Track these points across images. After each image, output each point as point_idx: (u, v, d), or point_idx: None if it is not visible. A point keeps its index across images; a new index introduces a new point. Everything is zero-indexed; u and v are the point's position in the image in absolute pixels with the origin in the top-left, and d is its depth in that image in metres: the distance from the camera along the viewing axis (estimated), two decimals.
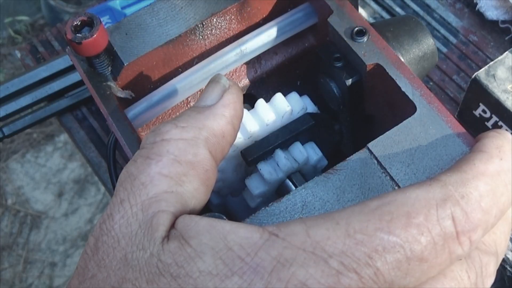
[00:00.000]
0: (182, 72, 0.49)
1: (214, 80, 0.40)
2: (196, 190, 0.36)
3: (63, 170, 1.91)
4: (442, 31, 0.81)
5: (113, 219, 0.34)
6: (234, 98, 0.39)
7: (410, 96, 0.42)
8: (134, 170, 0.36)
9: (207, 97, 0.39)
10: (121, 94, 0.47)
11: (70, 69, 0.81)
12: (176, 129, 0.37)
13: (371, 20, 0.84)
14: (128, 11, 0.84)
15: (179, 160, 0.36)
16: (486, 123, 0.67)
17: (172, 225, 0.34)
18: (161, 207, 0.34)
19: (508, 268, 0.63)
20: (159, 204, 0.34)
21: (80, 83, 0.81)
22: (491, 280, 0.36)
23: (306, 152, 0.49)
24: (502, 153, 0.36)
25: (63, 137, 1.94)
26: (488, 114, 0.66)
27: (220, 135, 0.38)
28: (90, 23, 0.44)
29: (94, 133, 0.80)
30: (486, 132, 0.38)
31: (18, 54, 0.88)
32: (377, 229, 0.31)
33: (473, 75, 0.65)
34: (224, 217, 0.35)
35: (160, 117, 0.50)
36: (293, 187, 0.48)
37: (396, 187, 0.38)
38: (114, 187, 0.56)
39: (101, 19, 0.49)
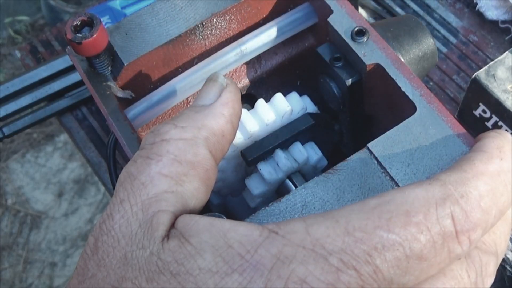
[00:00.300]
0: (182, 72, 0.49)
1: (211, 78, 0.40)
2: (196, 190, 0.36)
3: (63, 170, 1.91)
4: (442, 31, 0.81)
5: (113, 219, 0.34)
6: (232, 97, 0.39)
7: (410, 96, 0.42)
8: (134, 170, 0.36)
9: (205, 96, 0.39)
10: (121, 94, 0.47)
11: (70, 69, 0.81)
12: (175, 129, 0.37)
13: (371, 20, 0.84)
14: (128, 11, 0.84)
15: (179, 160, 0.36)
16: (486, 123, 0.67)
17: (172, 225, 0.34)
18: (161, 207, 0.34)
19: (508, 268, 0.63)
20: (159, 204, 0.34)
21: (80, 83, 0.81)
22: (491, 280, 0.36)
23: (306, 152, 0.49)
24: (503, 153, 0.36)
25: (63, 137, 1.94)
26: (488, 114, 0.66)
27: (220, 134, 0.38)
28: (90, 23, 0.44)
29: (94, 133, 0.80)
30: (487, 132, 0.38)
31: (18, 54, 0.88)
32: (377, 227, 0.31)
33: (473, 75, 0.65)
34: (224, 217, 0.35)
35: (160, 117, 0.50)
36: (293, 187, 0.48)
37: (396, 187, 0.38)
38: (114, 187, 0.56)
39: (101, 19, 0.49)
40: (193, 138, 0.37)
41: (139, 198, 0.34)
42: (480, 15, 0.81)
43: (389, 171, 0.39)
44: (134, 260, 0.32)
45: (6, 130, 0.79)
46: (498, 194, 0.34)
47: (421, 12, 0.83)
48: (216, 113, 0.38)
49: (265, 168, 0.48)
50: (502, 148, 0.36)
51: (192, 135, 0.37)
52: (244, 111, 0.47)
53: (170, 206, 0.34)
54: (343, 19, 0.46)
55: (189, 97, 0.50)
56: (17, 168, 1.93)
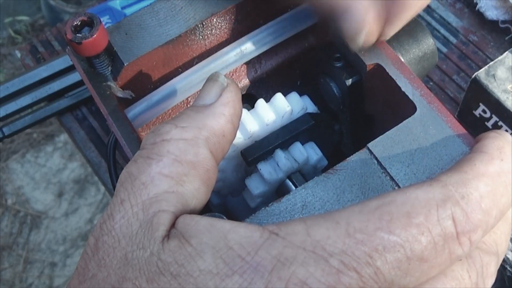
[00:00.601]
0: (182, 72, 0.49)
1: (212, 78, 0.40)
2: (196, 190, 0.36)
3: (63, 170, 1.91)
4: (442, 31, 0.81)
5: (114, 219, 0.34)
6: (233, 96, 0.39)
7: (410, 96, 0.42)
8: (135, 170, 0.36)
9: (205, 95, 0.39)
10: (121, 94, 0.47)
11: (70, 69, 0.81)
12: (176, 129, 0.37)
13: None
14: (128, 11, 0.84)
15: (180, 160, 0.36)
16: (486, 123, 0.67)
17: (173, 225, 0.34)
18: (161, 207, 0.34)
19: (508, 268, 0.63)
20: (159, 204, 0.34)
21: (80, 83, 0.81)
22: (492, 280, 0.36)
23: (306, 152, 0.49)
24: (503, 154, 0.36)
25: (63, 137, 1.94)
26: (488, 114, 0.66)
27: (221, 134, 0.38)
28: (90, 23, 0.44)
29: (94, 133, 0.80)
30: (487, 132, 0.38)
31: (18, 54, 0.88)
32: (377, 229, 0.31)
33: (473, 75, 0.65)
34: (224, 217, 0.35)
35: (160, 117, 0.50)
36: (293, 187, 0.48)
37: (396, 187, 0.38)
38: (114, 187, 0.56)
39: (101, 19, 0.49)
40: (193, 138, 0.37)
41: (140, 198, 0.34)
42: (480, 15, 0.81)
43: (389, 171, 0.39)
44: (135, 260, 0.32)
45: (6, 130, 0.79)
46: (498, 195, 0.34)
47: (421, 12, 0.83)
48: (217, 113, 0.38)
49: (265, 168, 0.48)
50: (502, 149, 0.36)
51: (192, 135, 0.37)
52: (244, 111, 0.47)
53: (170, 206, 0.34)
54: None
55: (189, 97, 0.50)
56: (17, 168, 1.93)
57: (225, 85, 0.39)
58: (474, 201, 0.33)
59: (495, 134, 0.37)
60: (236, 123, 0.39)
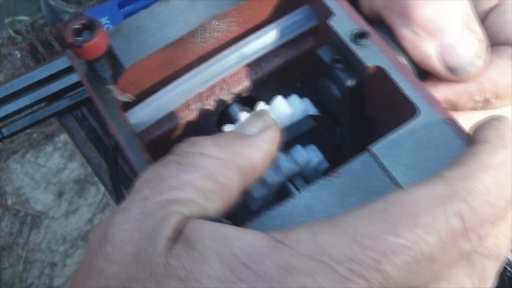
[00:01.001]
0: (182, 75, 0.49)
1: (258, 114, 0.41)
2: (217, 211, 0.36)
3: (63, 170, 1.91)
4: None
5: (130, 212, 0.34)
6: (273, 137, 0.39)
7: (412, 99, 0.42)
8: (166, 172, 0.35)
9: (248, 126, 0.40)
10: (121, 97, 0.47)
11: (70, 69, 0.81)
12: (215, 147, 0.37)
13: None
14: (128, 11, 0.84)
15: (212, 177, 0.35)
16: None
17: (181, 228, 0.33)
18: (181, 209, 0.34)
19: (508, 268, 0.63)
20: (181, 207, 0.34)
21: (80, 84, 0.80)
22: (491, 282, 0.36)
23: (307, 155, 0.48)
24: (506, 142, 0.35)
25: (63, 137, 1.94)
26: None
27: (252, 167, 0.38)
28: (90, 26, 0.44)
29: (94, 133, 0.80)
30: (485, 121, 0.37)
31: (18, 54, 0.88)
32: (384, 232, 0.31)
33: None
34: (230, 222, 0.35)
35: (160, 120, 0.50)
36: (294, 190, 0.48)
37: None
38: (115, 190, 0.56)
39: (101, 20, 0.49)
40: (229, 161, 0.36)
41: (164, 196, 0.34)
42: None
43: (392, 174, 0.39)
44: (146, 259, 0.32)
45: (6, 131, 0.79)
46: (505, 185, 0.33)
47: None
48: (255, 146, 0.38)
49: (266, 171, 0.48)
50: (505, 137, 0.35)
51: (229, 158, 0.37)
52: (244, 114, 0.47)
53: (189, 213, 0.34)
54: (343, 22, 0.46)
55: (189, 100, 0.50)
56: (17, 168, 1.93)
57: (270, 124, 0.40)
58: (480, 195, 0.32)
59: (494, 122, 0.36)
60: (268, 163, 0.39)
